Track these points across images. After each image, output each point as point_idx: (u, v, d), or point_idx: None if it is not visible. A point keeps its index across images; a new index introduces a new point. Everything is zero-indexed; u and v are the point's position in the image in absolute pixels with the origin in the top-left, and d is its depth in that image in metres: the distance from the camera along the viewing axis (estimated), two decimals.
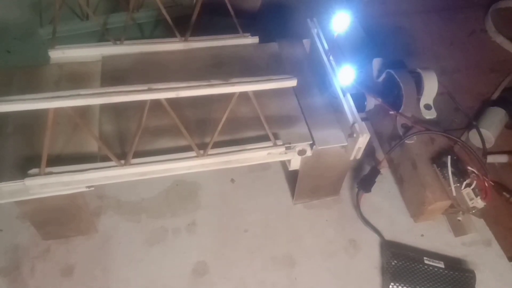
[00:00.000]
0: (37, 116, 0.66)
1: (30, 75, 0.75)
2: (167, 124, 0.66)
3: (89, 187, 0.65)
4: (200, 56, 0.82)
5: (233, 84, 0.59)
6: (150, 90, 0.56)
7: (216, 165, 0.68)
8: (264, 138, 0.69)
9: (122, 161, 0.63)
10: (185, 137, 0.62)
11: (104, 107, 0.70)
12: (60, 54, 0.78)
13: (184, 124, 0.62)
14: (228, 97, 0.61)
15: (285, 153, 0.70)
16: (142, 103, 0.58)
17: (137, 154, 0.64)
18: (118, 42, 0.80)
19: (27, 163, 0.63)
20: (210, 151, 0.66)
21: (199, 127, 0.70)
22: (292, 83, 0.63)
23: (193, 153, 0.66)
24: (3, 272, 0.74)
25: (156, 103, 0.57)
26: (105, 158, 0.63)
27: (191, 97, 0.58)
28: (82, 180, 0.63)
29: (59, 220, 0.74)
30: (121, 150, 0.66)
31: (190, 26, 0.80)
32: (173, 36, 0.82)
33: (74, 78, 0.75)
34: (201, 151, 0.66)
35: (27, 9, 1.14)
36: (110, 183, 0.64)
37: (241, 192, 0.88)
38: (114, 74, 0.76)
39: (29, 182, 0.60)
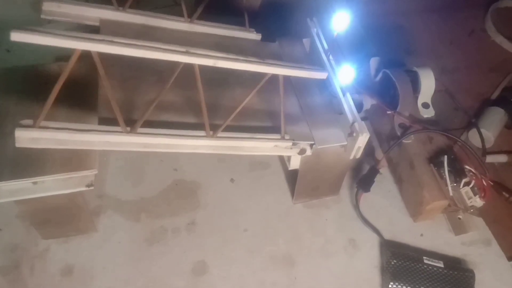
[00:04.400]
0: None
1: (30, 74, 0.75)
2: (176, 99, 0.64)
3: (89, 186, 0.65)
4: (202, 41, 0.80)
5: (269, 64, 0.59)
6: (187, 53, 0.54)
7: (222, 149, 0.66)
8: (270, 130, 0.69)
9: (128, 128, 0.60)
10: (202, 113, 0.60)
11: (109, 74, 0.68)
12: (55, 8, 0.72)
13: (195, 103, 0.60)
14: (246, 83, 0.59)
15: (291, 148, 0.69)
16: (151, 73, 0.55)
17: (143, 124, 0.61)
18: (121, 8, 0.74)
19: (26, 161, 0.62)
20: (220, 134, 0.64)
21: (209, 109, 0.67)
22: (322, 75, 0.64)
23: (201, 133, 0.64)
24: (3, 271, 0.74)
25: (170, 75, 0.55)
26: (105, 123, 0.60)
27: (207, 79, 0.56)
28: (81, 141, 0.59)
29: (58, 220, 0.74)
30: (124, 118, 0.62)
31: (199, 8, 0.78)
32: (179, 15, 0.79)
33: (75, 76, 0.75)
34: (211, 132, 0.64)
35: (27, 7, 1.14)
36: (110, 149, 0.61)
37: (240, 191, 0.88)
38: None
39: (19, 133, 0.55)
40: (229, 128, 0.65)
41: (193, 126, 0.64)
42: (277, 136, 0.68)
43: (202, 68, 0.56)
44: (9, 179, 0.61)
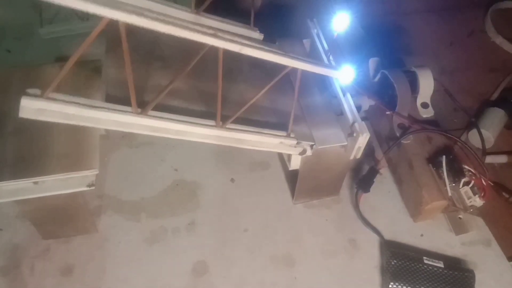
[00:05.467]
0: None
1: (30, 75, 0.75)
2: (184, 86, 0.63)
3: (89, 186, 0.65)
4: None
5: (291, 57, 0.59)
6: (215, 35, 0.53)
7: (230, 141, 0.65)
8: (275, 127, 0.68)
9: (139, 109, 0.58)
10: (217, 102, 0.59)
11: (114, 52, 0.65)
12: None
13: (203, 92, 0.59)
14: (250, 77, 0.59)
15: (295, 146, 0.69)
16: (155, 58, 0.54)
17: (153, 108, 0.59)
18: None
19: (27, 161, 0.62)
20: (229, 125, 0.64)
21: (215, 99, 0.65)
22: (337, 74, 0.65)
23: (211, 122, 0.63)
24: (3, 271, 0.74)
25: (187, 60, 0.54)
26: (112, 101, 0.58)
27: (214, 70, 0.56)
28: (88, 117, 0.56)
29: (59, 220, 0.74)
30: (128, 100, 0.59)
31: (207, 0, 0.76)
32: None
33: (74, 77, 0.75)
34: (220, 123, 0.63)
35: (27, 8, 1.14)
36: (118, 130, 0.58)
37: (241, 191, 0.88)
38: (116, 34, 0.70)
39: (25, 102, 0.51)
40: (237, 120, 0.64)
41: (201, 115, 0.63)
42: (283, 133, 0.68)
43: (212, 59, 0.56)
44: (9, 179, 0.61)
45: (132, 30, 0.51)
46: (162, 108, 0.60)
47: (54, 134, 0.67)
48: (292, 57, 0.59)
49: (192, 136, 0.63)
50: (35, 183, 0.63)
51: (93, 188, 0.65)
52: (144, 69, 0.68)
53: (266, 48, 0.57)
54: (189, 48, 0.57)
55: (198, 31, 0.52)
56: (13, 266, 0.75)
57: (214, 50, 0.55)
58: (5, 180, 0.61)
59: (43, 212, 0.70)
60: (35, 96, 0.52)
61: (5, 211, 0.80)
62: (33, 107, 0.52)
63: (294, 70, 0.62)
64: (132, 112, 0.57)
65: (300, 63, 0.60)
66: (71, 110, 0.54)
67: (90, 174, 0.65)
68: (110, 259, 0.77)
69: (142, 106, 0.58)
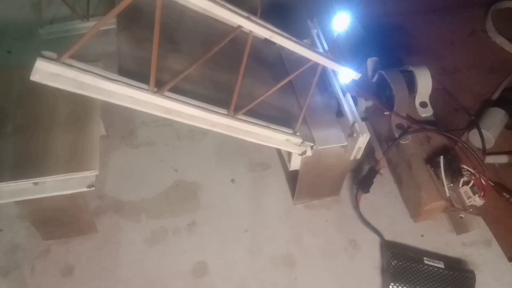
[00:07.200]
0: (37, 116, 0.67)
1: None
2: (197, 72, 0.63)
3: (89, 186, 0.65)
4: (214, 26, 0.77)
5: (315, 51, 0.60)
6: (249, 19, 0.53)
7: (238, 131, 0.65)
8: (281, 124, 0.68)
9: (155, 88, 0.56)
10: (235, 90, 0.59)
11: (127, 29, 0.63)
12: None
13: (216, 82, 0.59)
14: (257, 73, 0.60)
15: (299, 145, 0.69)
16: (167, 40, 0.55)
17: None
18: None
19: (27, 162, 0.62)
20: (240, 116, 0.63)
21: (226, 89, 0.65)
22: (356, 75, 0.66)
23: (223, 111, 0.62)
24: (3, 271, 0.74)
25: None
26: (125, 75, 0.56)
27: (227, 64, 0.56)
28: (103, 89, 0.53)
29: (59, 220, 0.74)
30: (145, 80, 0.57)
31: None
32: None
33: None
34: (232, 112, 0.62)
35: (27, 9, 1.14)
36: (131, 107, 0.56)
37: (241, 192, 0.88)
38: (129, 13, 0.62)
39: (40, 64, 0.48)
40: (245, 113, 0.64)
41: (211, 102, 0.62)
42: (290, 130, 0.68)
43: (226, 52, 0.56)
44: (9, 180, 0.61)
45: (149, 12, 0.49)
46: (176, 90, 0.58)
47: (54, 134, 0.67)
48: (316, 52, 0.60)
49: (203, 122, 0.61)
50: (35, 184, 0.63)
51: (93, 189, 0.65)
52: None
53: (294, 39, 0.58)
54: (200, 35, 0.55)
55: (234, 11, 0.52)
56: (14, 267, 0.75)
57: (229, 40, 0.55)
58: (5, 181, 0.61)
59: (43, 213, 0.71)
60: (51, 59, 0.48)
61: (5, 212, 0.80)
62: (47, 70, 0.49)
63: (297, 66, 0.62)
64: (148, 90, 0.55)
65: (323, 59, 0.61)
66: (87, 79, 0.51)
67: (90, 175, 0.65)
68: (110, 260, 0.77)
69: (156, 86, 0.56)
